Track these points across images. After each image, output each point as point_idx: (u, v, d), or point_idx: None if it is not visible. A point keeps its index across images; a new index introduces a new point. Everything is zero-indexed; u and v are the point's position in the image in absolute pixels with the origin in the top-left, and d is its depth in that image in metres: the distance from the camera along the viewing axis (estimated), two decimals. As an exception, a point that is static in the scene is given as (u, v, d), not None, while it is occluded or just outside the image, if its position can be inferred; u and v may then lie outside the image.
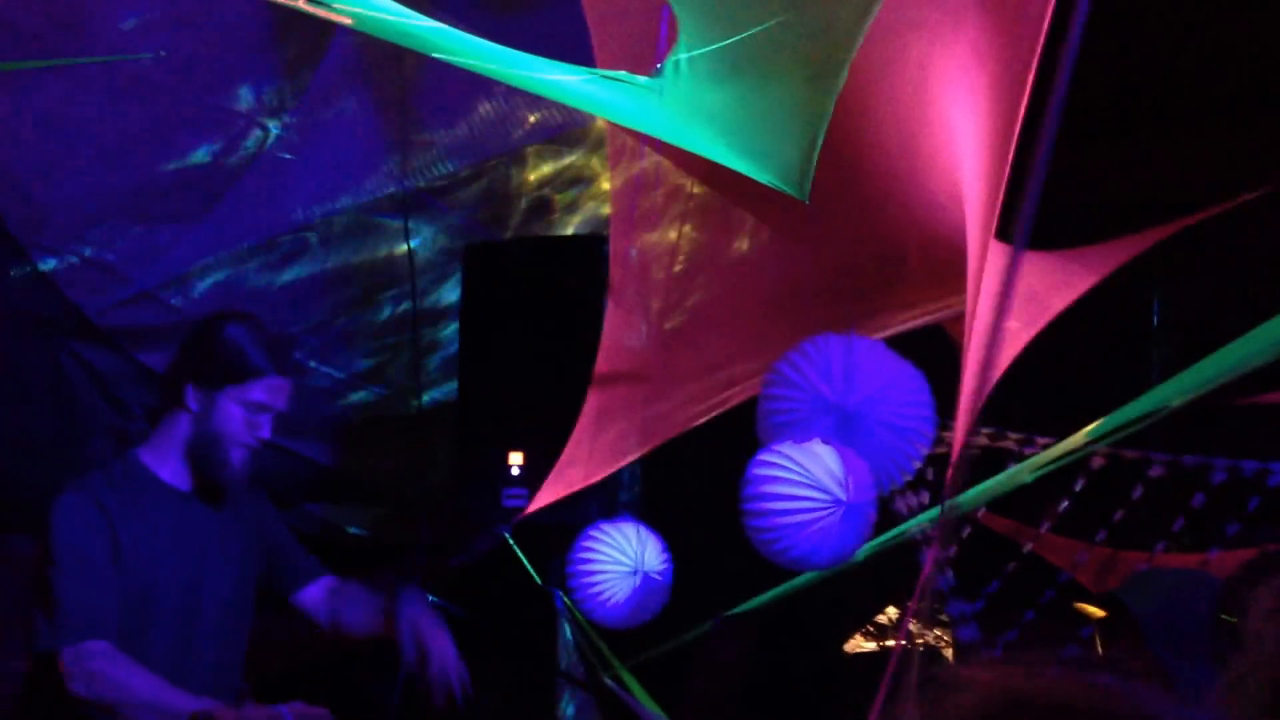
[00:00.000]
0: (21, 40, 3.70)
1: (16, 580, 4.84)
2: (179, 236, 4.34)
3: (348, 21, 2.63)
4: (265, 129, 4.13)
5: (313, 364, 4.70)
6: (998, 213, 2.97)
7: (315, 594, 3.13)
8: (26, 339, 4.47)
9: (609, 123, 3.40)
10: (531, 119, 4.11)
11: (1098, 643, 3.16)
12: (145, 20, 3.83)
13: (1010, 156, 2.82)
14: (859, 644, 5.45)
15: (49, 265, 4.26)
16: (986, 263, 3.09)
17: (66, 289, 4.29)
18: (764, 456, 3.26)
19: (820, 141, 3.03)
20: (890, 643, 4.61)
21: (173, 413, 2.92)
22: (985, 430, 3.86)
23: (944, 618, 4.52)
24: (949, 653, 4.60)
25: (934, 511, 3.53)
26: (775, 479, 3.24)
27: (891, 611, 5.42)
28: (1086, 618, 3.62)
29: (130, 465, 2.92)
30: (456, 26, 2.82)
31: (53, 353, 4.55)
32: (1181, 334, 4.80)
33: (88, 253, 4.29)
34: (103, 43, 3.79)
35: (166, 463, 2.94)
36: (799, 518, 3.20)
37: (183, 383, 2.91)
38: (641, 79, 2.79)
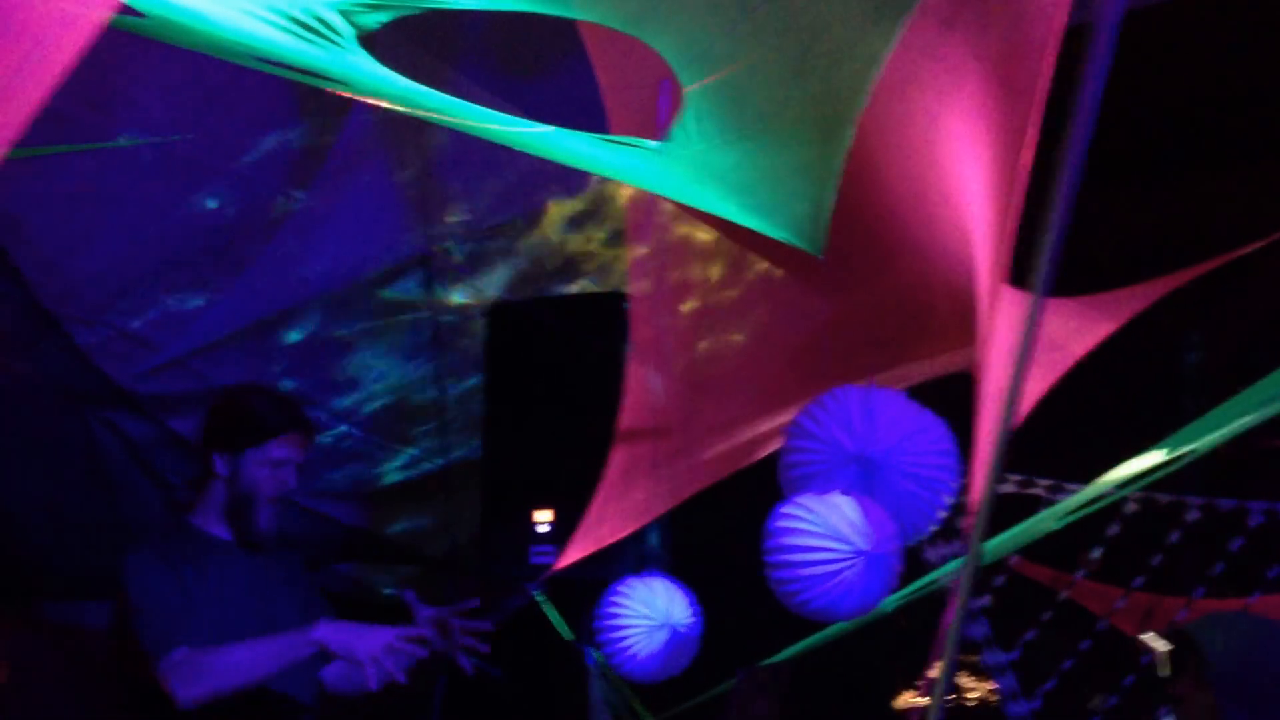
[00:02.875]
0: (56, 123, 3.79)
1: (48, 646, 4.91)
2: (206, 305, 4.42)
3: (367, 100, 2.69)
4: (289, 197, 4.20)
5: (340, 426, 4.75)
6: (1007, 260, 2.98)
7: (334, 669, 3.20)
8: (59, 410, 4.56)
9: (625, 184, 3.44)
10: (552, 180, 4.16)
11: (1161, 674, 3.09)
12: (172, 97, 3.92)
13: (1016, 203, 2.84)
14: (909, 700, 5.37)
15: (81, 337, 4.34)
16: (1000, 309, 3.09)
17: (98, 359, 4.37)
18: (784, 509, 3.26)
19: (833, 197, 3.06)
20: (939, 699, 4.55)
21: (208, 480, 3.12)
22: (1014, 477, 3.85)
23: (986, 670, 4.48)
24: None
25: (956, 562, 3.51)
26: (796, 530, 3.23)
27: (939, 665, 5.33)
28: (1147, 648, 3.58)
29: (185, 529, 3.11)
30: (475, 90, 2.88)
31: (85, 422, 4.63)
32: (1214, 377, 4.76)
33: (118, 323, 4.38)
34: (132, 121, 3.88)
35: (213, 524, 3.11)
36: (821, 569, 3.19)
37: (210, 451, 3.10)
38: (651, 143, 2.83)
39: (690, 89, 2.63)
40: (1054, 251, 2.07)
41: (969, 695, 5.05)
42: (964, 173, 3.00)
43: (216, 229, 4.27)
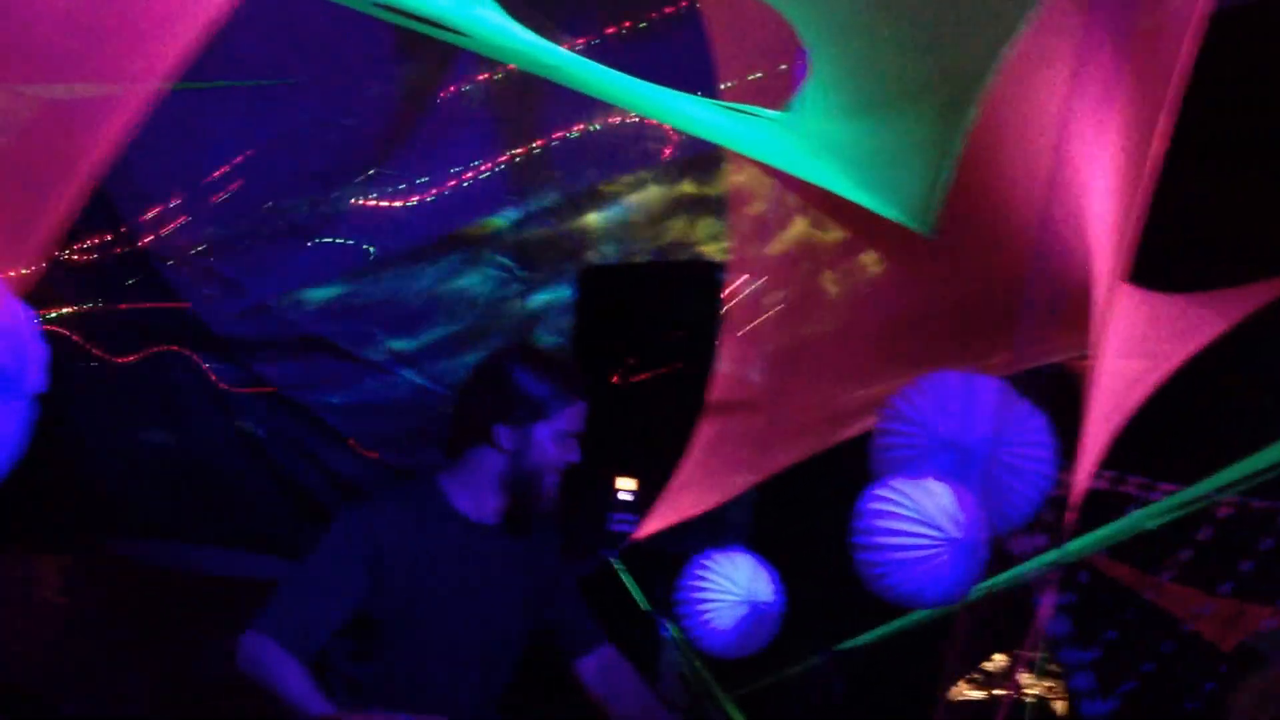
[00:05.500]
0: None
1: (130, 584, 4.99)
2: (295, 252, 4.44)
3: (480, 54, 2.66)
4: (386, 148, 4.21)
5: (422, 382, 4.76)
6: (1128, 255, 2.91)
7: (592, 665, 3.17)
8: (142, 349, 4.60)
9: (731, 152, 3.40)
10: (653, 146, 4.12)
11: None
12: (272, 42, 3.93)
13: (1143, 198, 2.76)
14: (963, 692, 5.32)
15: (171, 276, 4.38)
16: (1114, 305, 3.03)
17: (188, 299, 4.40)
18: (877, 491, 3.21)
19: (948, 178, 2.99)
20: (998, 692, 4.51)
21: (479, 450, 3.00)
22: (1106, 474, 3.78)
23: (1054, 668, 4.41)
24: (1059, 705, 4.49)
25: (1050, 555, 3.45)
26: (887, 514, 3.19)
27: (999, 659, 5.29)
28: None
29: (431, 490, 3.03)
30: (584, 52, 2.84)
31: (166, 363, 4.68)
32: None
33: (208, 264, 4.41)
34: (230, 64, 3.89)
35: (467, 494, 3.02)
36: (909, 554, 3.14)
37: (491, 424, 2.97)
38: (770, 112, 2.78)
39: (817, 59, 2.58)
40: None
41: (1027, 692, 4.99)
42: (1089, 161, 2.93)
43: (311, 176, 4.28)
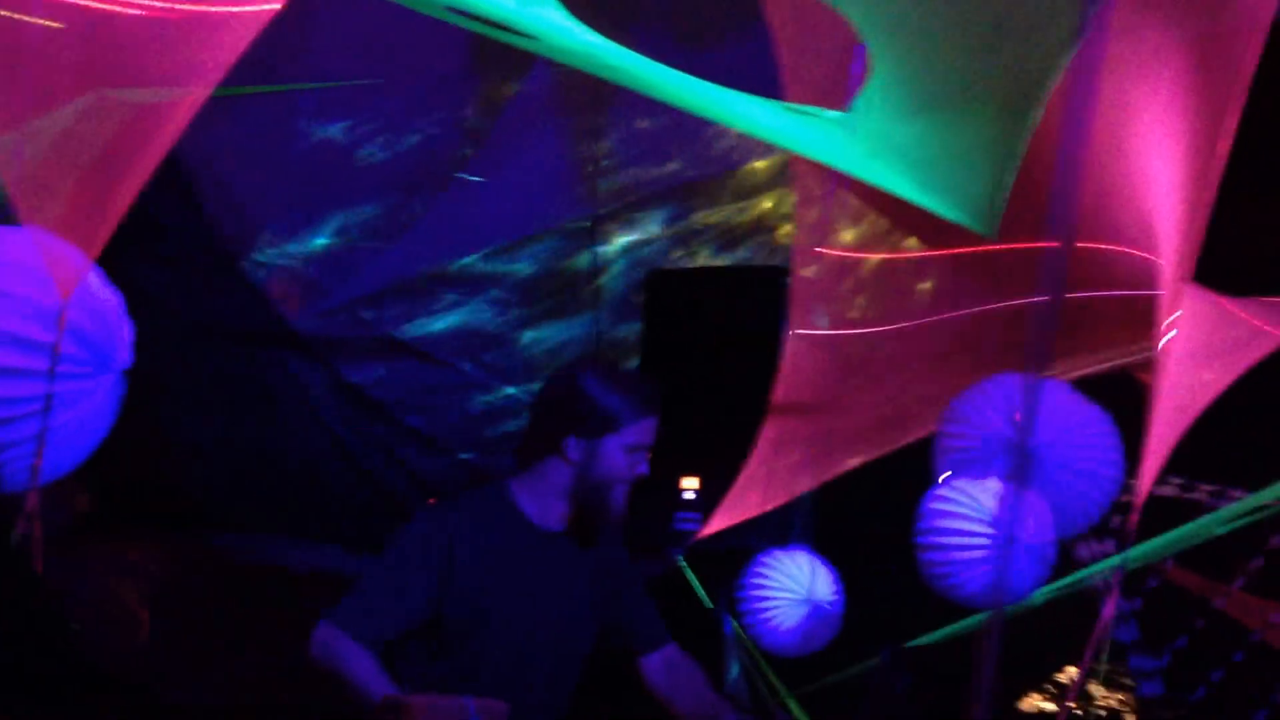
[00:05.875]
0: (252, 71, 3.95)
1: (213, 577, 5.12)
2: (375, 255, 4.55)
3: (549, 59, 2.72)
4: (462, 153, 4.30)
5: (495, 383, 4.84)
6: (1194, 256, 2.90)
7: (657, 663, 3.16)
8: (234, 348, 4.74)
9: (795, 155, 3.43)
10: (720, 150, 4.17)
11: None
12: (352, 51, 4.05)
13: (1209, 200, 2.75)
14: (1036, 703, 5.26)
15: (256, 277, 4.50)
16: (1180, 306, 3.01)
17: (272, 299, 4.53)
18: (939, 491, 3.23)
19: (1011, 179, 3.00)
20: (1070, 704, 4.45)
21: (549, 461, 3.02)
22: (1175, 480, 3.74)
23: (1126, 680, 4.37)
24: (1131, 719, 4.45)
25: (1114, 560, 3.43)
26: (950, 514, 3.21)
27: (1072, 671, 5.22)
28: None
29: (501, 496, 3.07)
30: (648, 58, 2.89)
31: (257, 361, 4.81)
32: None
33: (291, 266, 4.53)
34: (311, 71, 4.02)
35: (536, 502, 3.06)
36: (972, 554, 3.16)
37: (561, 436, 2.99)
38: (831, 113, 2.81)
39: (878, 59, 2.61)
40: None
41: (1099, 704, 4.93)
42: (1154, 162, 2.93)
43: (390, 180, 4.39)
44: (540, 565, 3.04)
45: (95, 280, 2.30)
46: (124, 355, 2.31)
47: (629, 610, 3.17)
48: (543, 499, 3.05)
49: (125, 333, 2.32)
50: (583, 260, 4.50)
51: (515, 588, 3.00)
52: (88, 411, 2.28)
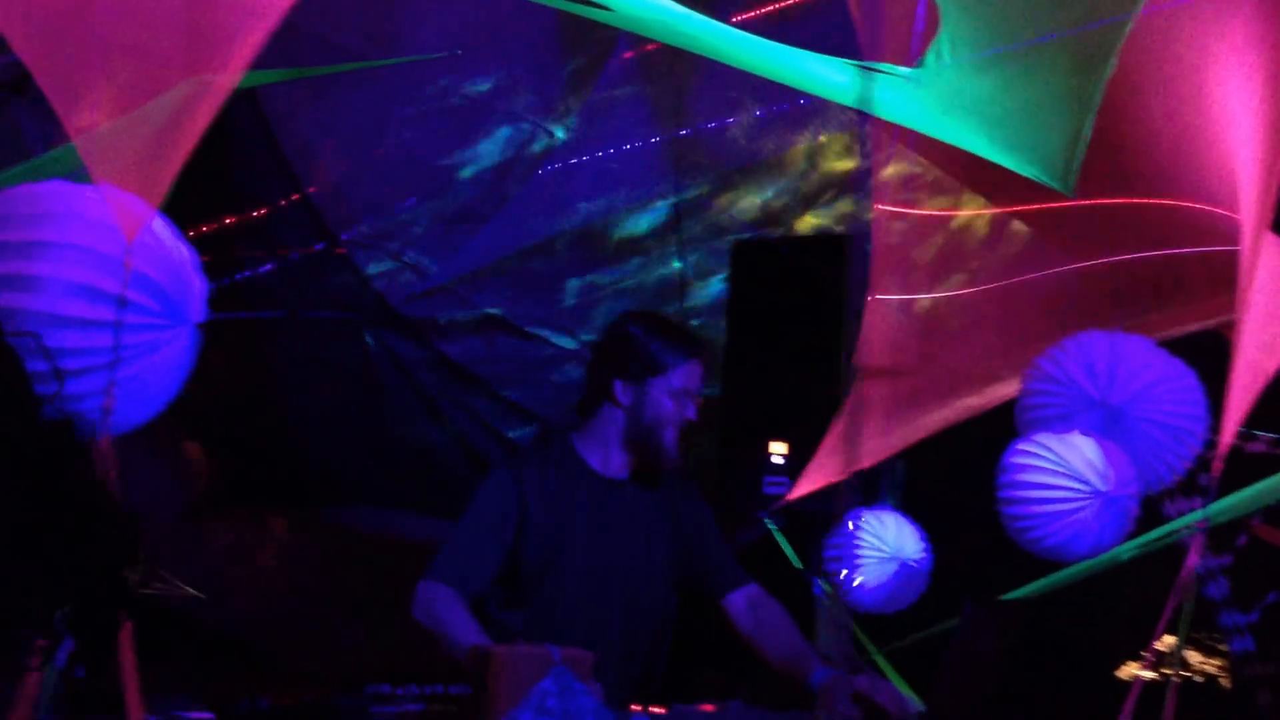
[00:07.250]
0: (343, 57, 4.13)
1: (331, 549, 5.30)
2: (471, 234, 4.70)
3: (628, 32, 2.81)
4: (551, 135, 4.43)
5: (586, 355, 4.96)
6: (1274, 205, 2.88)
7: (739, 601, 3.27)
8: (340, 329, 4.92)
9: (873, 120, 3.49)
10: (800, 118, 4.24)
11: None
12: (447, 36, 4.20)
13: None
14: (1133, 670, 5.20)
15: (360, 260, 4.68)
16: (1261, 257, 3.00)
17: (374, 280, 4.71)
18: (1021, 445, 3.26)
19: (1087, 133, 3.02)
20: (1168, 672, 4.41)
21: (604, 407, 3.19)
22: (1265, 436, 3.72)
23: (1220, 646, 4.32)
24: (1225, 683, 4.40)
25: (1197, 514, 3.42)
26: (1032, 468, 3.24)
27: (1169, 639, 5.14)
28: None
29: (564, 448, 3.23)
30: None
31: (363, 342, 4.98)
32: None
33: (393, 249, 4.70)
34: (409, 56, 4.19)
35: (596, 451, 3.22)
36: (1055, 507, 3.19)
37: (610, 380, 3.16)
38: (903, 70, 2.87)
39: (946, 13, 2.66)
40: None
41: (1198, 671, 4.87)
42: (1233, 109, 2.92)
43: (483, 162, 4.54)
44: (606, 512, 3.17)
45: (168, 234, 2.36)
46: (197, 308, 2.37)
47: (706, 554, 3.26)
48: (603, 448, 3.19)
49: (198, 287, 2.39)
50: (669, 233, 4.60)
51: (584, 534, 3.13)
52: (163, 363, 2.32)
